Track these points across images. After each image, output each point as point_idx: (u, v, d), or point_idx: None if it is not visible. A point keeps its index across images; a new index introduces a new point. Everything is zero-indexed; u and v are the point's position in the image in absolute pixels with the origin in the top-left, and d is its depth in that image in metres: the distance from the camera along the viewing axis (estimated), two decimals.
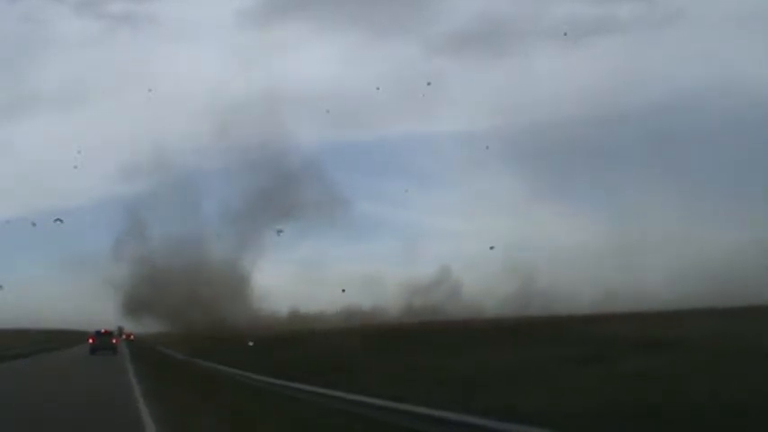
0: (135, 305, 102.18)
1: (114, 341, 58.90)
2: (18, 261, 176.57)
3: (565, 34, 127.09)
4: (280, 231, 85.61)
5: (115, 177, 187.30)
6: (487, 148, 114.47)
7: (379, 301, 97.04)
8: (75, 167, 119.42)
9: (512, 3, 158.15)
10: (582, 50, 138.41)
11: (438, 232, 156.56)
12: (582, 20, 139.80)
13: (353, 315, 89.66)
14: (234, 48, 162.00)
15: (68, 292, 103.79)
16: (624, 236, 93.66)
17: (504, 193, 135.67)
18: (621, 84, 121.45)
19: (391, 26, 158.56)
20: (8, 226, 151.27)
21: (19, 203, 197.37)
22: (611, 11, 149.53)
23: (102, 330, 58.37)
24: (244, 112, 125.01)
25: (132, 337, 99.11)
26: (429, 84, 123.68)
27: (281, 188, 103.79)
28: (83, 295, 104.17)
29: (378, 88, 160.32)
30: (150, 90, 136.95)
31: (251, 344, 58.02)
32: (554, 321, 48.57)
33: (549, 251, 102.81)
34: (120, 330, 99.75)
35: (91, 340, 57.24)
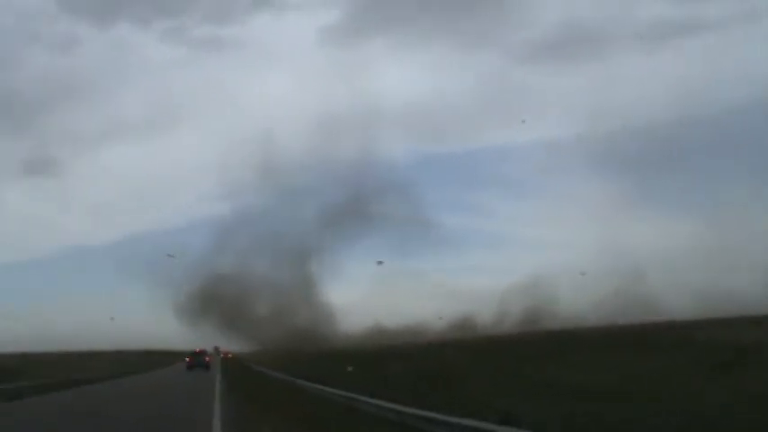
0: (229, 325, 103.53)
1: (207, 359, 63.48)
2: (117, 284, 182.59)
3: (641, 37, 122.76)
4: (380, 263, 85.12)
5: (208, 197, 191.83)
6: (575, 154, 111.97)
7: (470, 312, 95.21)
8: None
9: (595, 8, 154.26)
10: (667, 52, 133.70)
11: (528, 241, 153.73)
12: (666, 21, 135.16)
13: (448, 326, 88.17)
14: (319, 66, 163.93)
15: (164, 312, 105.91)
16: (715, 239, 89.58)
17: (593, 200, 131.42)
18: (708, 85, 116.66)
19: (475, 37, 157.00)
20: (106, 250, 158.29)
21: (117, 227, 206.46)
22: (697, 11, 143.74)
23: (197, 350, 64.83)
24: (332, 129, 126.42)
25: (230, 355, 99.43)
26: (524, 121, 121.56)
27: (370, 201, 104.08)
28: (177, 316, 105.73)
29: (472, 117, 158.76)
30: (260, 121, 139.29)
31: (350, 369, 57.28)
32: (661, 327, 45.97)
33: (640, 256, 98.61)
34: (217, 350, 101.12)
35: (188, 359, 62.61)
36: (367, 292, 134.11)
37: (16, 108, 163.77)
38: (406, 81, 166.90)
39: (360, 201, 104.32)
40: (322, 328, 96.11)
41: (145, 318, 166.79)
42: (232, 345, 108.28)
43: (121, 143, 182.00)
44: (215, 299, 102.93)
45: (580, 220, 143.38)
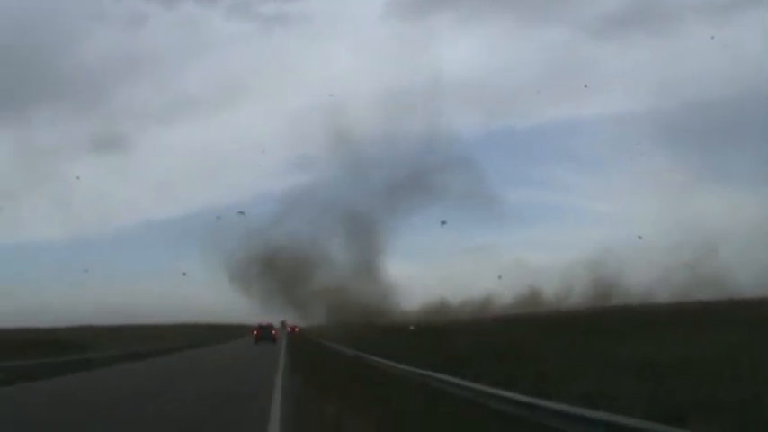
0: (293, 300, 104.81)
1: (274, 332, 65.76)
2: (182, 258, 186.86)
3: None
4: (443, 223, 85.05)
5: (274, 172, 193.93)
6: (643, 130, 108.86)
7: (536, 287, 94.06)
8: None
9: None
10: (739, 24, 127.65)
11: (594, 216, 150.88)
12: None
13: (513, 301, 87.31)
14: (384, 39, 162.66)
15: (229, 287, 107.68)
16: None
17: (661, 176, 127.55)
18: None
19: (543, 11, 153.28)
20: (175, 224, 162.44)
21: (185, 202, 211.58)
22: None
23: (264, 324, 66.72)
24: (396, 102, 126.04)
25: (297, 329, 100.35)
26: (586, 86, 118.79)
27: (434, 175, 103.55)
28: (242, 290, 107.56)
29: (538, 92, 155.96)
30: (331, 96, 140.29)
31: (412, 328, 57.83)
32: (733, 304, 44.36)
33: (710, 231, 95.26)
34: (284, 324, 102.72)
35: (255, 332, 64.20)
36: (430, 268, 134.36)
37: (84, 85, 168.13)
38: (471, 55, 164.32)
39: (423, 175, 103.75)
40: (385, 303, 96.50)
41: (210, 292, 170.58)
42: (296, 320, 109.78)
43: (188, 119, 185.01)
44: (279, 273, 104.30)
45: (648, 195, 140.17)
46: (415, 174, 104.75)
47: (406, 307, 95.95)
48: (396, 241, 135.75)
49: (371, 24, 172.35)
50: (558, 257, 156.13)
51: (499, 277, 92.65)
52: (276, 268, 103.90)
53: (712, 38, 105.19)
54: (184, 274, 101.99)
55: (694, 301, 52.79)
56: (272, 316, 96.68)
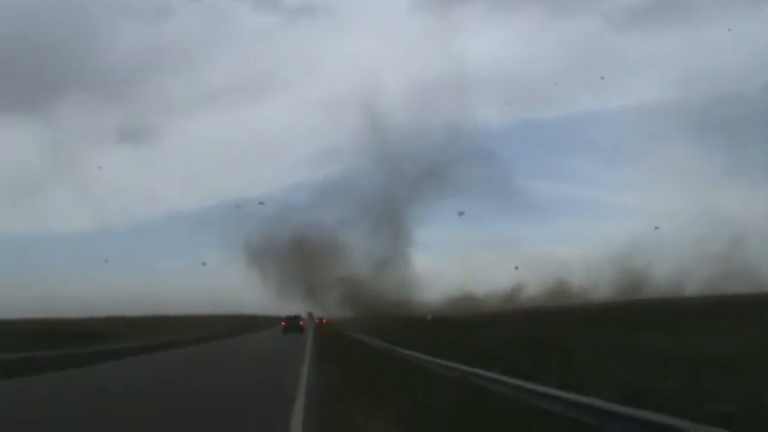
0: (319, 292, 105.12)
1: (302, 323, 68.98)
2: (209, 250, 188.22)
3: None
4: (461, 213, 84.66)
5: (300, 164, 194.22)
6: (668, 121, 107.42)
7: (562, 280, 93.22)
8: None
9: None
10: (765, 15, 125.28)
11: (621, 208, 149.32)
12: None
13: (540, 294, 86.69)
14: (411, 31, 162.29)
15: (256, 279, 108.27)
16: None
17: (686, 166, 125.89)
18: None
19: (568, 3, 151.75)
20: (200, 215, 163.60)
21: (210, 193, 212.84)
22: None
23: (292, 315, 70.02)
24: (424, 94, 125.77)
25: (325, 320, 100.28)
26: (602, 78, 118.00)
27: (461, 167, 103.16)
28: (268, 282, 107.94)
29: (556, 84, 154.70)
30: (352, 87, 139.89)
31: (429, 317, 58.03)
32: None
33: (738, 225, 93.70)
34: (311, 315, 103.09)
35: (284, 323, 67.08)
36: (453, 259, 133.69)
37: (111, 77, 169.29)
38: (498, 46, 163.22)
39: (448, 166, 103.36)
40: (410, 294, 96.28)
41: (233, 283, 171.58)
42: (322, 311, 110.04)
43: (215, 111, 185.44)
44: (303, 264, 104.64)
45: (674, 187, 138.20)
46: (439, 165, 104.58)
47: (429, 299, 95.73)
48: (420, 232, 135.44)
49: (398, 16, 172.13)
50: (583, 250, 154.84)
51: (516, 268, 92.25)
52: (300, 259, 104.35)
53: (729, 30, 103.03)
54: (204, 264, 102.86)
55: (725, 294, 51.94)
56: (296, 307, 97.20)
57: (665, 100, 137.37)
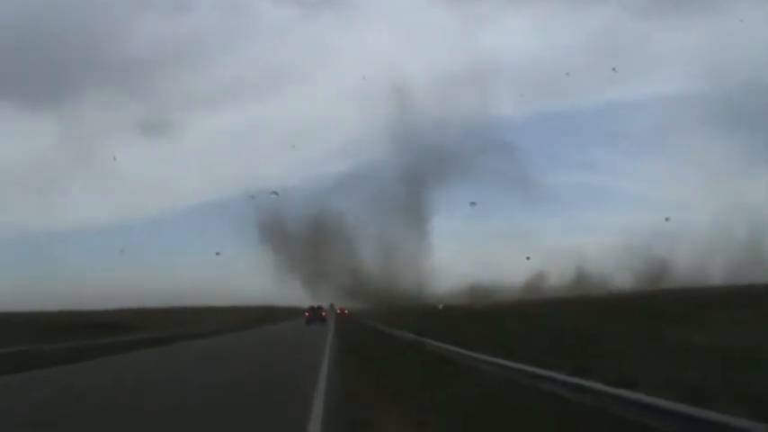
0: (339, 283, 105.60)
1: (324, 314, 71.72)
2: (229, 242, 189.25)
3: None
4: (473, 204, 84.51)
5: (322, 157, 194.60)
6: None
7: (584, 271, 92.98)
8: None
9: None
10: None
11: (643, 199, 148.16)
12: None
13: (559, 285, 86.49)
14: (431, 22, 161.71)
15: (278, 271, 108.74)
16: None
17: (710, 157, 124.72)
18: None
19: None
20: (220, 207, 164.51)
21: (229, 186, 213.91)
22: None
23: (315, 306, 73.19)
24: (444, 85, 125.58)
25: (346, 311, 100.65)
26: (614, 69, 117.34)
27: (481, 158, 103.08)
28: (290, 275, 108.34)
29: (567, 74, 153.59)
30: (364, 77, 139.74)
31: (440, 306, 58.84)
32: None
33: (762, 216, 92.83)
34: (333, 306, 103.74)
35: (307, 314, 69.87)
36: (471, 250, 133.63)
37: (131, 71, 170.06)
38: (519, 37, 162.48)
39: (468, 157, 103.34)
40: (426, 285, 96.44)
41: (258, 275, 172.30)
42: (343, 303, 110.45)
43: (234, 104, 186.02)
44: (321, 255, 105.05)
45: (697, 179, 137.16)
46: (459, 156, 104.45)
47: (448, 289, 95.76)
48: (436, 223, 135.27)
49: (417, 7, 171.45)
50: (605, 240, 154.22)
51: (527, 258, 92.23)
52: (318, 251, 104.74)
53: (741, 21, 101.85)
54: (218, 253, 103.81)
55: (750, 284, 51.49)
56: (320, 299, 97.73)
57: (686, 90, 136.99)
